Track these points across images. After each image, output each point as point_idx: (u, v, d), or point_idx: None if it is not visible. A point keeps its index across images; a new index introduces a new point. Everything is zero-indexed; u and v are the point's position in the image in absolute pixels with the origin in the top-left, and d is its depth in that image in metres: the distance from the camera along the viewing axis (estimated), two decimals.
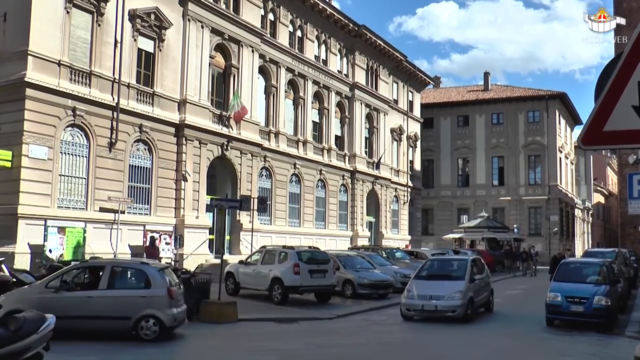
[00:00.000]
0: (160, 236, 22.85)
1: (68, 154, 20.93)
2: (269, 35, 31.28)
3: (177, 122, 24.97)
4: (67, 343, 9.66)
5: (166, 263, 19.79)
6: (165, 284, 11.05)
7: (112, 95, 22.27)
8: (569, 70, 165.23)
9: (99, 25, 21.94)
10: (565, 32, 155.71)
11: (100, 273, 11.31)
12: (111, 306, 10.74)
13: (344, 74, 38.79)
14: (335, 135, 37.92)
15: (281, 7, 32.67)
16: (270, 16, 32.12)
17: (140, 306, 10.68)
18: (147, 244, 20.91)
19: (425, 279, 15.70)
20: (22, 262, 18.32)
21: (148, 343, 10.54)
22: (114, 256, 20.75)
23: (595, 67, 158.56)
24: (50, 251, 18.93)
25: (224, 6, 27.93)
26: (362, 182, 39.68)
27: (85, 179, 21.35)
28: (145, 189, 23.79)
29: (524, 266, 36.70)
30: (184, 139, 25.03)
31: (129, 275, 11.76)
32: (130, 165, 23.08)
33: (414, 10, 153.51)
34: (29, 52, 19.47)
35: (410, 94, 48.92)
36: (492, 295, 17.25)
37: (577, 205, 60.50)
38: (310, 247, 23.63)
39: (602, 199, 78.92)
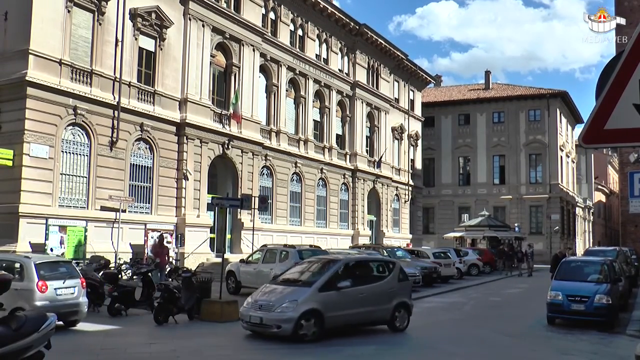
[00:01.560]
0: (161, 235, 22.84)
1: (69, 152, 20.95)
2: (270, 34, 31.28)
3: (178, 121, 24.98)
4: None
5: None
6: (35, 278, 11.19)
7: (113, 94, 22.28)
8: (569, 69, 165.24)
9: (100, 24, 21.95)
10: (565, 30, 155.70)
11: None
12: None
13: (345, 73, 38.78)
14: (336, 134, 37.91)
15: (282, 6, 32.65)
16: (271, 15, 32.11)
17: (14, 297, 10.48)
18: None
19: (278, 283, 12.51)
20: None
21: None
22: (115, 255, 20.79)
23: (595, 65, 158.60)
24: (51, 250, 18.95)
25: (225, 5, 27.93)
26: (363, 180, 39.67)
27: (86, 177, 21.38)
28: (146, 187, 23.81)
29: (519, 266, 35.42)
30: (184, 137, 25.04)
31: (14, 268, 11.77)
32: (131, 164, 23.10)
33: (413, 9, 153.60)
34: (30, 51, 19.48)
35: (411, 92, 48.90)
36: (403, 310, 12.85)
37: (578, 204, 60.46)
38: (311, 246, 23.67)
39: (603, 198, 78.88)
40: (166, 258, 19.78)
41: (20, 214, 18.91)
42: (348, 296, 11.80)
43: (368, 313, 12.21)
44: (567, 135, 56.97)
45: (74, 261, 18.52)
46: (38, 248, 18.75)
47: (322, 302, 11.34)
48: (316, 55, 35.86)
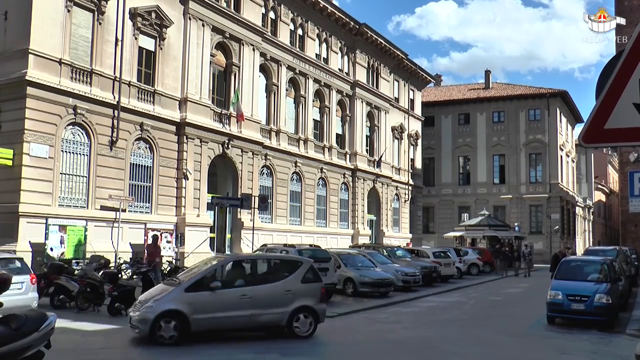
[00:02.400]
0: (161, 234, 22.87)
1: (69, 152, 20.95)
2: (269, 34, 31.27)
3: (178, 121, 24.98)
4: None
5: (167, 262, 19.89)
6: None
7: (113, 93, 22.28)
8: (569, 68, 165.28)
9: (100, 23, 21.95)
10: (564, 30, 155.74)
11: None
12: None
13: (345, 72, 38.77)
14: (336, 134, 37.91)
15: (282, 6, 32.65)
16: (271, 14, 32.10)
17: None
18: (150, 241, 20.87)
19: (169, 282, 12.20)
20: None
21: None
22: (115, 254, 20.79)
23: (594, 65, 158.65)
24: (51, 249, 18.96)
25: (224, 4, 27.92)
26: (363, 180, 39.67)
27: (86, 177, 21.38)
28: (146, 187, 23.81)
29: (516, 266, 34.31)
30: (184, 137, 25.04)
31: None
32: (131, 163, 23.10)
33: (412, 9, 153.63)
34: (30, 51, 19.48)
35: (411, 92, 48.89)
36: (306, 315, 11.48)
37: (578, 204, 60.46)
38: (311, 245, 23.68)
39: (603, 197, 78.87)
40: (156, 258, 19.73)
41: (20, 213, 18.91)
42: (225, 298, 10.78)
43: (253, 316, 10.98)
44: (567, 135, 56.97)
45: (74, 260, 18.65)
46: (38, 248, 18.76)
47: (188, 303, 10.44)
48: (316, 54, 35.86)
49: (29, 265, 17.63)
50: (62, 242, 19.51)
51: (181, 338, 10.28)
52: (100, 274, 15.58)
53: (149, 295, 11.15)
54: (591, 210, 69.12)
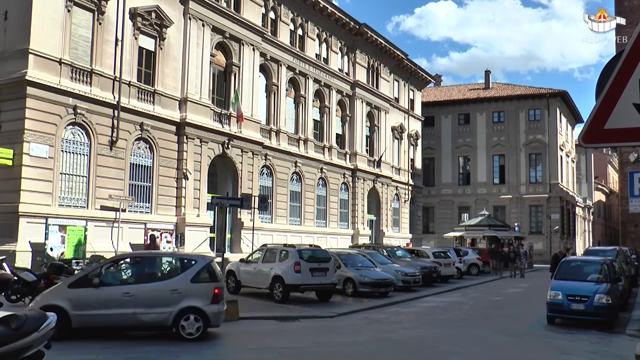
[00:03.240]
0: (161, 234, 22.89)
1: (69, 152, 20.95)
2: (269, 34, 31.27)
3: (178, 121, 24.98)
4: None
5: None
6: None
7: (113, 93, 22.28)
8: (568, 68, 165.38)
9: (100, 23, 21.95)
10: (563, 30, 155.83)
11: None
12: None
13: (345, 73, 38.77)
14: (336, 134, 37.92)
15: (282, 6, 32.65)
16: (271, 14, 32.10)
17: None
18: (148, 241, 20.94)
19: None
20: (24, 260, 18.35)
21: None
22: (115, 254, 20.76)
23: (594, 65, 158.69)
24: (51, 249, 18.95)
25: (224, 4, 27.93)
26: (363, 180, 39.67)
27: (86, 177, 21.38)
28: (146, 187, 23.81)
29: (511, 267, 33.17)
30: (184, 137, 25.04)
31: None
32: (131, 163, 23.11)
33: (412, 9, 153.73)
34: (30, 51, 19.48)
35: (411, 92, 48.89)
36: (194, 316, 10.86)
37: (578, 204, 60.46)
38: (311, 245, 23.61)
39: (603, 197, 78.87)
40: None
41: (20, 213, 18.91)
42: (107, 295, 10.59)
43: (136, 315, 10.56)
44: (567, 135, 56.97)
45: (74, 260, 18.64)
46: (38, 248, 18.76)
47: (69, 299, 10.26)
48: (316, 54, 35.86)
49: (29, 265, 17.70)
50: (62, 242, 19.51)
51: (61, 334, 9.54)
52: None
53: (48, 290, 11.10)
54: (591, 210, 69.12)
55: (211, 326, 11.13)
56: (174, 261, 12.02)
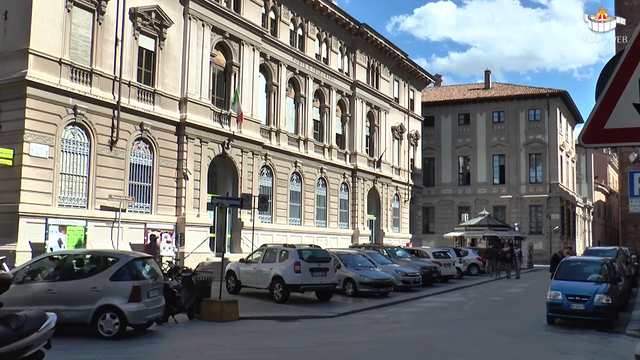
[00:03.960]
0: (161, 234, 22.88)
1: (69, 152, 20.94)
2: (269, 34, 31.27)
3: (178, 121, 24.98)
4: None
5: (167, 261, 19.90)
6: None
7: (113, 93, 22.28)
8: (568, 69, 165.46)
9: (100, 23, 21.94)
10: (563, 30, 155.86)
11: None
12: None
13: (345, 73, 38.77)
14: (336, 134, 37.91)
15: (282, 6, 32.64)
16: (271, 14, 32.10)
17: None
18: (148, 241, 20.89)
19: None
20: (24, 260, 18.26)
21: None
22: None
23: (593, 65, 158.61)
24: (51, 249, 18.92)
25: (224, 4, 27.92)
26: (363, 180, 39.67)
27: (86, 177, 21.37)
28: (146, 187, 23.80)
29: (507, 267, 32.38)
30: (184, 137, 25.04)
31: None
32: (131, 163, 23.10)
33: (411, 9, 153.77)
34: (29, 51, 19.48)
35: (411, 92, 48.89)
36: (112, 314, 10.81)
37: (578, 204, 60.46)
38: (311, 245, 23.61)
39: (603, 197, 78.87)
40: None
41: (20, 213, 18.90)
42: (32, 291, 10.80)
43: (59, 312, 10.15)
44: (567, 135, 56.98)
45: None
46: (38, 247, 18.75)
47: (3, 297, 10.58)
48: (316, 54, 35.86)
49: None
50: (62, 242, 19.51)
51: None
52: None
53: None
54: (591, 210, 69.11)
55: (130, 325, 10.99)
56: (97, 259, 11.96)
